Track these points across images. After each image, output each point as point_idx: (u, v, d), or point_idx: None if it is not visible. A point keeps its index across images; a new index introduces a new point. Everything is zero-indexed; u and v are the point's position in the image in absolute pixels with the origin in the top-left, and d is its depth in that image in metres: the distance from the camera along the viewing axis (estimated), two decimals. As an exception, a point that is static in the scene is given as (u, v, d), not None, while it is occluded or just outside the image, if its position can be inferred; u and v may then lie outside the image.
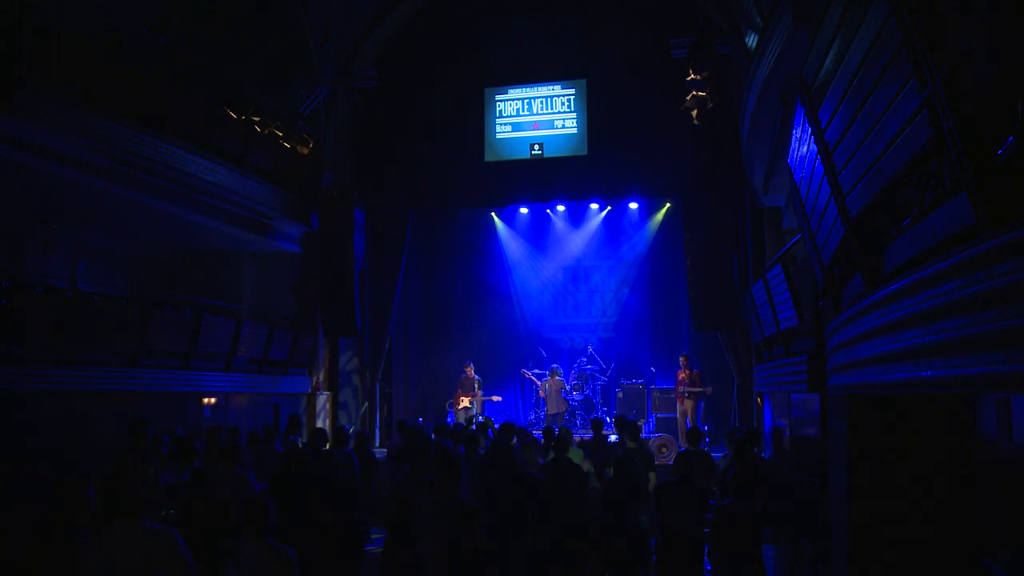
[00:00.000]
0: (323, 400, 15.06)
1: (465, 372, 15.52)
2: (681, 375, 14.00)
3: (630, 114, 14.43)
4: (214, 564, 4.66)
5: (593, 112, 14.95)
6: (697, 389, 13.86)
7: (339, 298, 14.52)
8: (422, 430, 11.07)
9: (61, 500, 4.34)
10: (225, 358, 12.46)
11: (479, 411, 15.27)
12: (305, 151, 14.36)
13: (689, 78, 12.17)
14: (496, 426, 10.34)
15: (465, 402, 15.08)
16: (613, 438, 10.77)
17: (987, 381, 2.45)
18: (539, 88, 15.36)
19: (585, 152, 14.95)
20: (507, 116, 15.45)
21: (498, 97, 15.52)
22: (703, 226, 13.79)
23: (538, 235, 17.64)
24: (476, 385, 15.30)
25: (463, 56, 15.49)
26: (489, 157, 15.45)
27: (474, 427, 10.29)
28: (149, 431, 7.65)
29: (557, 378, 14.88)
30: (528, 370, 16.15)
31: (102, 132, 9.78)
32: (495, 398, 16.05)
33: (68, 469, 7.95)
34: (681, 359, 14.26)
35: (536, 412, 15.60)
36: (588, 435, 10.52)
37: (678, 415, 13.97)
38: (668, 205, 16.48)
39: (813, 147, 4.28)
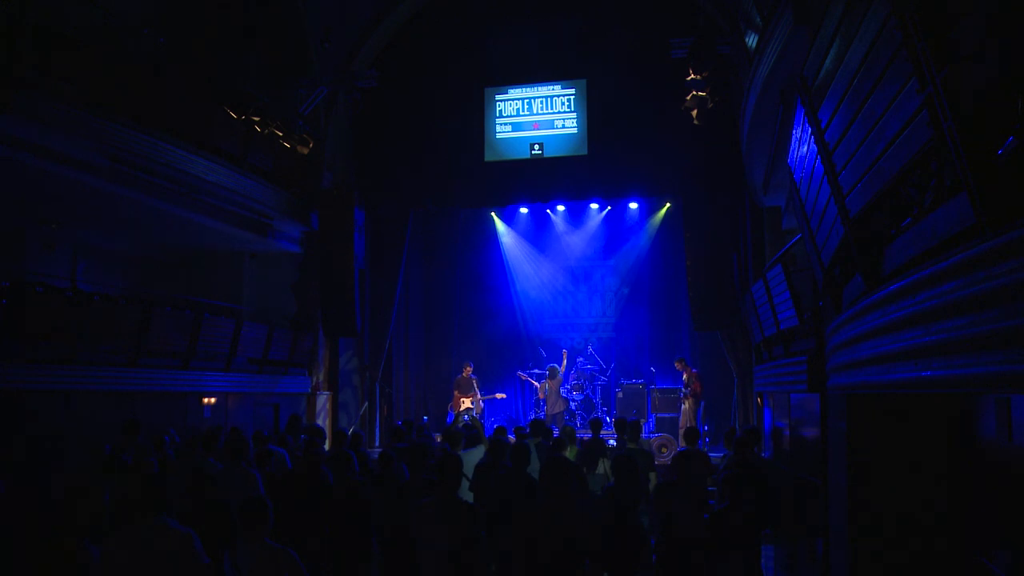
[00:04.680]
0: (323, 400, 15.06)
1: (463, 372, 15.54)
2: (684, 376, 14.13)
3: (630, 114, 14.42)
4: (214, 563, 4.66)
5: (593, 112, 14.94)
6: (687, 390, 13.95)
7: (339, 298, 14.53)
8: (425, 429, 11.06)
9: (69, 501, 4.35)
10: (225, 358, 12.45)
11: (479, 411, 15.30)
12: (305, 151, 14.38)
13: (689, 78, 12.16)
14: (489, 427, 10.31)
15: (466, 403, 15.11)
16: (612, 442, 10.75)
17: (987, 381, 2.45)
18: (539, 88, 15.36)
19: (585, 152, 14.95)
20: (507, 116, 15.45)
21: (498, 97, 15.52)
22: (703, 226, 13.81)
23: (538, 235, 17.65)
24: (474, 385, 15.33)
25: (463, 56, 15.48)
26: (489, 157, 15.45)
27: (460, 427, 10.25)
28: (143, 432, 7.70)
29: (557, 378, 14.91)
30: (526, 371, 16.16)
31: (102, 132, 9.78)
32: (499, 395, 16.05)
33: (68, 469, 7.96)
34: (677, 364, 14.32)
35: (536, 412, 15.61)
36: (588, 435, 10.52)
37: (681, 415, 14.03)
38: (668, 205, 16.49)
39: (813, 147, 4.28)
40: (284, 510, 5.85)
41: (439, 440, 9.38)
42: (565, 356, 15.62)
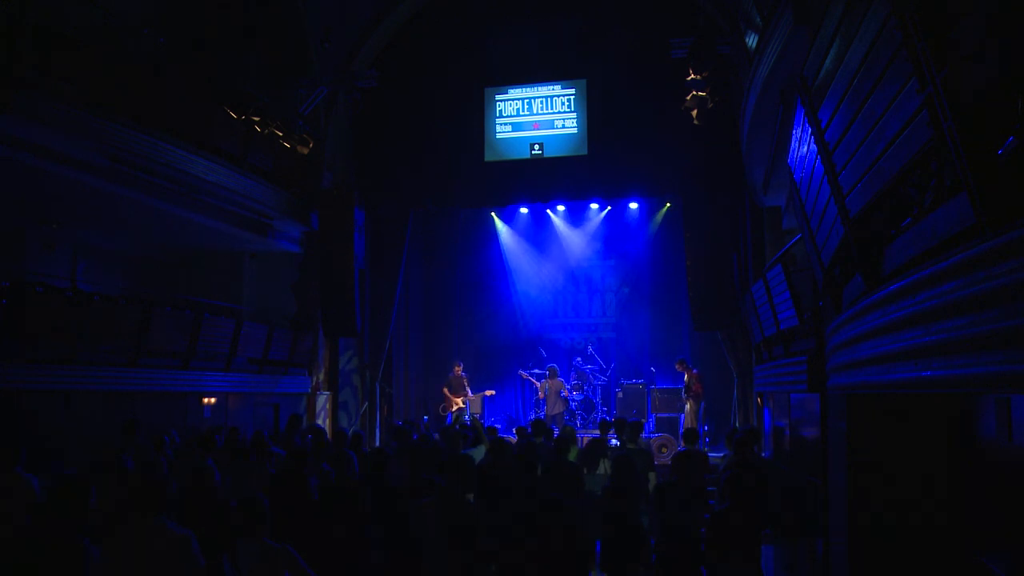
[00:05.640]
0: (323, 400, 15.07)
1: (454, 372, 15.62)
2: (685, 378, 14.17)
3: (630, 114, 14.42)
4: (213, 564, 4.66)
5: (593, 112, 14.94)
6: (688, 393, 14.01)
7: (339, 298, 14.53)
8: (425, 430, 11.07)
9: (66, 500, 4.34)
10: (225, 358, 12.45)
11: (478, 411, 15.36)
12: (305, 151, 14.39)
13: (689, 78, 12.16)
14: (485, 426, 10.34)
15: (459, 403, 15.25)
16: (614, 441, 10.75)
17: (987, 381, 2.45)
18: (539, 88, 15.36)
19: (585, 152, 14.94)
20: (507, 116, 15.45)
21: (498, 97, 15.52)
22: (703, 226, 13.81)
23: (538, 235, 17.63)
24: (465, 384, 15.42)
25: (463, 56, 15.48)
26: (489, 157, 15.45)
27: (457, 427, 10.29)
28: (140, 432, 7.72)
29: (558, 379, 14.93)
30: (527, 371, 16.18)
31: (102, 132, 9.77)
32: (488, 392, 16.09)
33: (68, 469, 7.94)
34: (678, 365, 14.35)
35: (536, 412, 15.62)
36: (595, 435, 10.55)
37: (684, 416, 14.08)
38: (668, 205, 16.47)
39: (813, 147, 4.28)
40: (282, 510, 5.85)
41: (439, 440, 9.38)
42: (556, 373, 15.35)
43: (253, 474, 6.77)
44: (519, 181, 15.25)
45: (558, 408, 14.70)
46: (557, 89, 15.29)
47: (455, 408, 15.26)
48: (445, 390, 15.68)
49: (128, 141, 10.20)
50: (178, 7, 13.53)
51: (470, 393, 15.57)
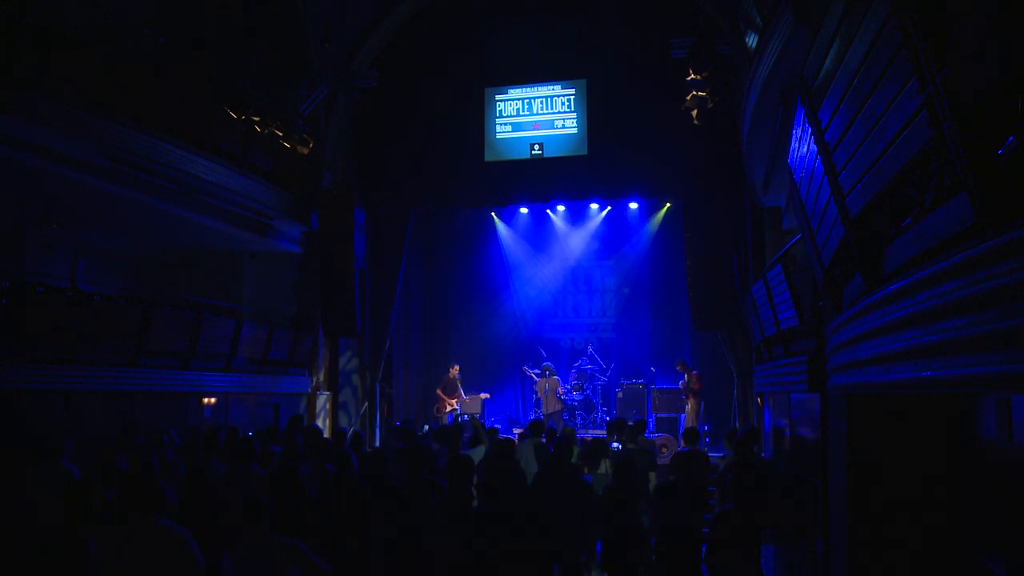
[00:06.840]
0: (323, 400, 15.07)
1: (449, 373, 15.66)
2: (685, 378, 14.21)
3: (630, 114, 14.42)
4: (213, 562, 4.66)
5: (593, 112, 14.94)
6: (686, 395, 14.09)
7: (339, 298, 14.54)
8: (426, 433, 11.07)
9: (69, 499, 4.35)
10: (225, 358, 12.45)
11: (478, 411, 15.39)
12: (305, 151, 14.38)
13: (689, 78, 12.16)
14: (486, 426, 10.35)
15: (452, 404, 15.30)
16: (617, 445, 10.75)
17: (987, 381, 2.45)
18: (539, 88, 15.36)
19: (585, 152, 14.95)
20: (507, 116, 15.45)
21: (498, 97, 15.52)
22: (703, 226, 13.81)
23: (538, 235, 17.65)
24: (459, 385, 15.50)
25: (463, 56, 15.48)
26: (489, 157, 15.45)
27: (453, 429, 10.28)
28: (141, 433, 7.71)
29: (554, 377, 14.94)
30: (530, 369, 16.21)
31: (102, 132, 9.78)
32: (483, 395, 16.11)
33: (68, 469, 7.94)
34: (678, 366, 14.38)
35: (536, 412, 15.64)
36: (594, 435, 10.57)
37: (686, 416, 14.13)
38: (668, 205, 16.49)
39: (813, 147, 4.28)
40: (279, 509, 5.84)
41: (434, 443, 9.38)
42: (552, 372, 15.50)
43: (252, 474, 6.78)
44: (519, 181, 15.25)
45: (555, 407, 14.72)
46: (557, 89, 15.29)
47: (448, 409, 15.31)
48: (439, 391, 15.72)
49: (128, 141, 10.20)
50: (178, 7, 13.53)
51: (463, 395, 15.60)
